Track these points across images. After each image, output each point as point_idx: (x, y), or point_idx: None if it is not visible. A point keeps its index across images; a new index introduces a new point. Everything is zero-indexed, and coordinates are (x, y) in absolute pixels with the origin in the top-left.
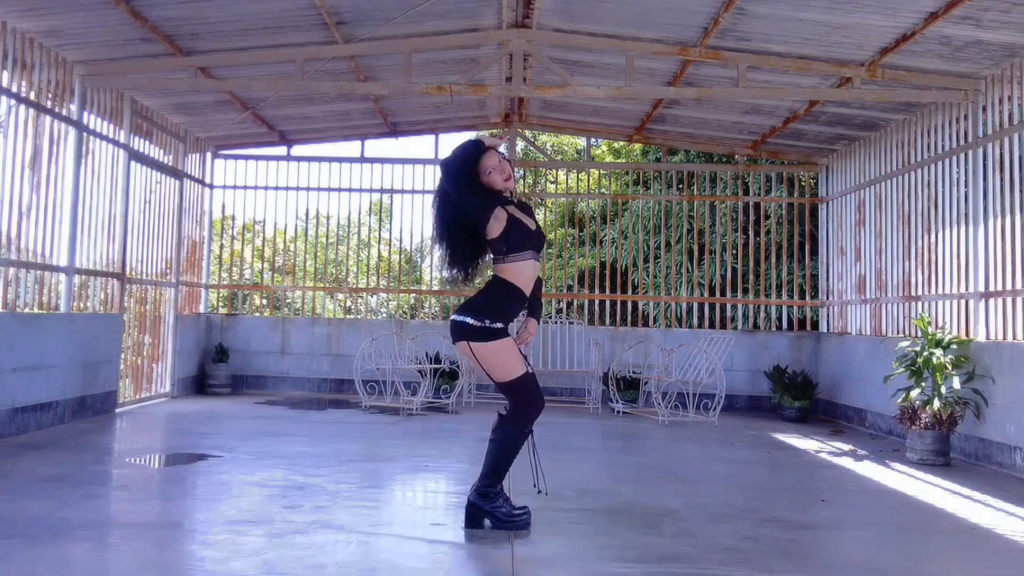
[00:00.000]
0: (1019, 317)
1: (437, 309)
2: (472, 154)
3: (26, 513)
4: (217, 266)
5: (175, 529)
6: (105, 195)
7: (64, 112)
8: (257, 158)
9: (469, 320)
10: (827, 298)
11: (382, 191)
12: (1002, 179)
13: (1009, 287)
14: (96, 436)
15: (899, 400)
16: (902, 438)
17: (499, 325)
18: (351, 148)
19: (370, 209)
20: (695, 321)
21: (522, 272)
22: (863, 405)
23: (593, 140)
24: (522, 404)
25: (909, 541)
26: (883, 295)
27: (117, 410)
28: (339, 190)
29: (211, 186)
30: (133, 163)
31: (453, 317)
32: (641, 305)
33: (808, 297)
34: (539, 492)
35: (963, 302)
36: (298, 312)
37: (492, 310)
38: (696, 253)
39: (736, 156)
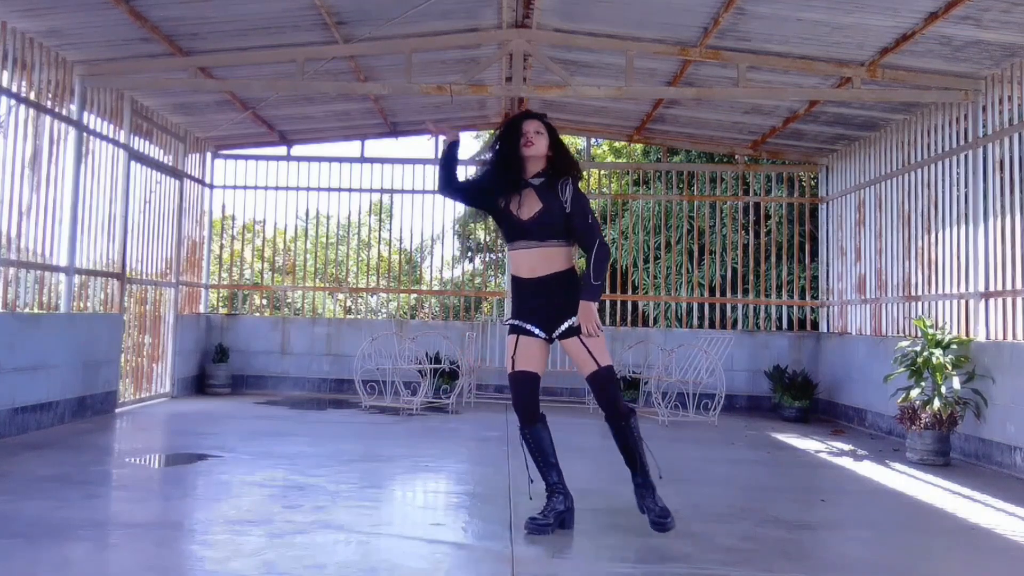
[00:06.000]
0: (1019, 317)
1: (437, 309)
2: (508, 127)
3: (26, 513)
4: (217, 266)
5: (175, 529)
6: (105, 195)
7: (64, 112)
8: (257, 158)
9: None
10: (827, 298)
11: (382, 191)
12: (1002, 179)
13: (1009, 287)
14: (96, 436)
15: (899, 400)
16: (902, 438)
17: (512, 323)
18: (351, 148)
19: (370, 209)
20: (695, 321)
21: (515, 262)
22: (863, 405)
23: (593, 140)
24: None
25: (909, 541)
26: (883, 295)
27: (117, 410)
28: (339, 190)
29: (211, 186)
30: (133, 163)
31: None
32: (641, 305)
33: (808, 297)
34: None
35: (963, 302)
36: (298, 312)
37: (512, 307)
38: (696, 253)
39: (736, 156)
